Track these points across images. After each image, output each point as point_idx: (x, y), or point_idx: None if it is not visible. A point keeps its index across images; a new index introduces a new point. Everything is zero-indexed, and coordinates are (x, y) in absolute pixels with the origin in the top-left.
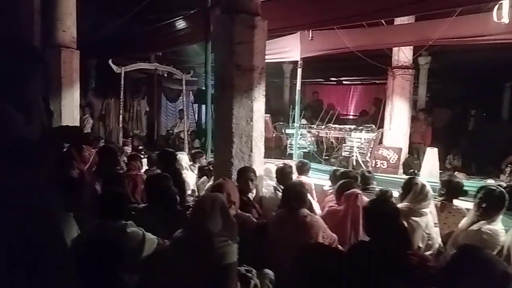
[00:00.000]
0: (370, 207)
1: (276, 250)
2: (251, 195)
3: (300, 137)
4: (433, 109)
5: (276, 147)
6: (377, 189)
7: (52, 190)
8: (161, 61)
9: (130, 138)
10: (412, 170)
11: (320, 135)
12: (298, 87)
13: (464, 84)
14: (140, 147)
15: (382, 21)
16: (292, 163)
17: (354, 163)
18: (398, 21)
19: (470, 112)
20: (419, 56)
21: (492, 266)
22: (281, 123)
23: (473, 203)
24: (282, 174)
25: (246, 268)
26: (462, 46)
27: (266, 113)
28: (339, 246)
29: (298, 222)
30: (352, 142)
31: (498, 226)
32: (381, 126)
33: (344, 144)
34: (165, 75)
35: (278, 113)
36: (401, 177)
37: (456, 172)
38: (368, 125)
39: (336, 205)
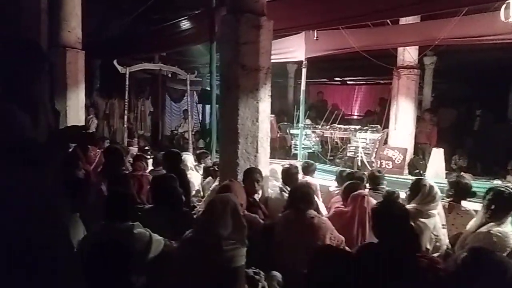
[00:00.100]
0: (378, 209)
1: (283, 252)
2: (257, 196)
3: (304, 137)
4: (438, 109)
5: (280, 148)
6: (386, 189)
7: (58, 191)
8: (165, 61)
9: (136, 139)
10: (417, 171)
11: (325, 135)
12: (303, 87)
13: (469, 84)
14: (146, 148)
15: (388, 21)
16: (297, 163)
17: (359, 164)
18: (404, 21)
19: (475, 112)
20: (424, 56)
21: (505, 269)
22: (285, 123)
23: (481, 204)
24: (288, 175)
25: (254, 270)
26: (467, 46)
27: (270, 113)
28: (346, 248)
29: (305, 223)
30: (357, 143)
31: (507, 228)
32: (386, 126)
33: (349, 145)
34: (169, 75)
35: (282, 113)
36: (407, 177)
37: (462, 173)
38: (373, 125)
39: (342, 206)
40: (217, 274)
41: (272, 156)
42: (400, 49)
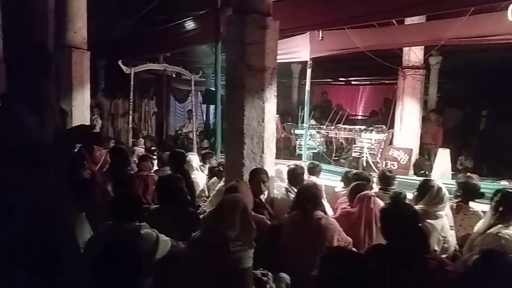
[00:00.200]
0: (387, 210)
1: (289, 253)
2: (263, 197)
3: (309, 137)
4: (443, 110)
5: (285, 148)
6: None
7: (65, 191)
8: (169, 61)
9: (142, 139)
10: (423, 171)
11: (330, 135)
12: (308, 87)
13: (475, 84)
14: (153, 148)
15: (393, 21)
16: (303, 164)
17: (364, 164)
18: (409, 21)
19: (481, 112)
20: (430, 56)
21: None
22: (289, 123)
23: (488, 205)
24: (294, 175)
25: (262, 271)
26: (473, 46)
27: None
28: (354, 249)
29: (313, 224)
30: (362, 143)
31: None
32: (391, 126)
33: (354, 145)
34: (174, 75)
35: (286, 113)
36: (412, 178)
37: (468, 174)
38: (379, 126)
39: (349, 207)
40: (223, 276)
41: (277, 156)
42: (405, 49)
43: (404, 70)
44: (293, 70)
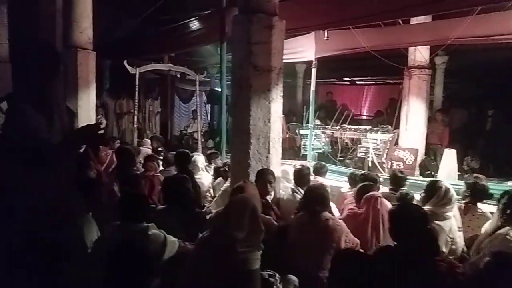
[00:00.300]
0: (396, 211)
1: (296, 254)
2: (269, 197)
3: (314, 137)
4: (449, 110)
5: (289, 148)
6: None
7: (72, 191)
8: (174, 61)
9: (149, 139)
10: (429, 172)
11: (335, 135)
12: (313, 87)
13: (481, 84)
14: (160, 149)
15: (399, 20)
16: (308, 164)
17: (370, 165)
18: (415, 20)
19: (487, 112)
20: (435, 56)
21: None
22: (294, 123)
23: (495, 206)
24: (300, 176)
25: (269, 272)
26: (479, 45)
27: None
28: (361, 250)
29: (320, 225)
30: (367, 143)
31: None
32: (397, 126)
33: (359, 145)
34: (178, 75)
35: (291, 113)
36: (418, 178)
37: (476, 174)
38: (384, 126)
39: (356, 207)
40: (230, 276)
41: (282, 156)
42: (411, 49)
43: (410, 70)
44: (297, 70)
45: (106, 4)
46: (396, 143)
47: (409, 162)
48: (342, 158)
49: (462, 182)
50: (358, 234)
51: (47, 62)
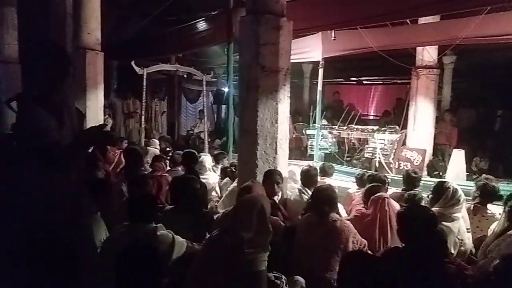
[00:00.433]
0: (405, 212)
1: (303, 254)
2: (277, 198)
3: (321, 138)
4: (458, 110)
5: (296, 148)
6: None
7: (81, 191)
8: (181, 62)
9: (157, 140)
10: (437, 172)
11: (342, 136)
12: (320, 87)
13: (490, 83)
14: (168, 149)
15: (407, 20)
16: (315, 164)
17: (377, 165)
18: (423, 20)
19: (496, 112)
20: (444, 56)
21: None
22: (300, 123)
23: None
24: (307, 177)
25: (275, 274)
26: (488, 45)
27: None
28: (369, 251)
29: (328, 226)
30: (374, 143)
31: None
32: (404, 127)
33: (366, 145)
34: (185, 76)
35: (297, 113)
36: (426, 179)
37: (485, 175)
38: (392, 126)
39: (363, 208)
40: (236, 276)
41: (288, 157)
42: (419, 49)
43: (418, 69)
44: (304, 70)
45: (113, 5)
46: (404, 144)
47: (416, 162)
48: (349, 159)
49: (470, 183)
50: (366, 235)
51: (58, 63)
